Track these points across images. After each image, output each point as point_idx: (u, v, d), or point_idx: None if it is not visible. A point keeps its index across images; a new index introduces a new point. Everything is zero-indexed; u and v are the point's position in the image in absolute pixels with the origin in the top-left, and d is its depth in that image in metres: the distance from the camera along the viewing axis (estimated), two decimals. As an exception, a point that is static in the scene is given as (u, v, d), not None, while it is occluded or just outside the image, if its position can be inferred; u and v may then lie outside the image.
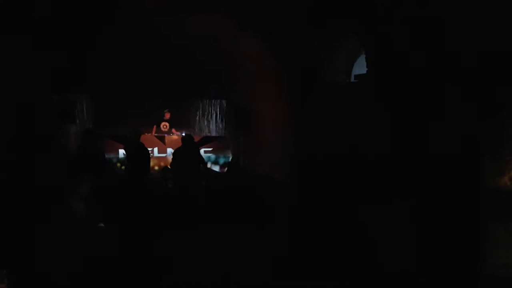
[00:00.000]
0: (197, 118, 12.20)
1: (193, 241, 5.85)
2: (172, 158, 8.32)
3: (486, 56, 4.78)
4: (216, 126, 12.19)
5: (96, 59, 8.96)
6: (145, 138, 10.14)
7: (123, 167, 9.18)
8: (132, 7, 7.90)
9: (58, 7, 6.75)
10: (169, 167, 9.53)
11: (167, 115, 10.80)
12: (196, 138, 9.32)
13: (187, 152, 8.03)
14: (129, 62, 9.84)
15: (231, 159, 10.25)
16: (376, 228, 5.55)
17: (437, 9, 5.18)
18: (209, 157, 10.33)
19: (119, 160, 9.75)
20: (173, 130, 10.89)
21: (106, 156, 8.35)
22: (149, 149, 9.99)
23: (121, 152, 9.42)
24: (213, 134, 11.89)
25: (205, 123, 12.18)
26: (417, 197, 5.24)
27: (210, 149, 10.59)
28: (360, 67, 7.61)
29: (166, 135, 10.63)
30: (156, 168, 10.11)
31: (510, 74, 4.62)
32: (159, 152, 10.35)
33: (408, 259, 5.01)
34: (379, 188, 5.76)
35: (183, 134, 9.73)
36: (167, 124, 10.80)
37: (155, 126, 10.78)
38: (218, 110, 12.17)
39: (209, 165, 9.91)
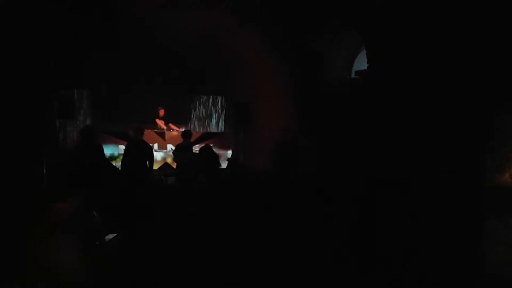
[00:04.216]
0: (197, 114, 12.15)
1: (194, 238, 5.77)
2: (174, 152, 8.36)
3: (486, 53, 4.75)
4: (216, 123, 12.15)
5: (95, 55, 8.92)
6: (145, 134, 10.10)
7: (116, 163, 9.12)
8: (130, 5, 7.89)
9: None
10: (168, 163, 9.51)
11: (161, 112, 10.72)
12: (196, 135, 9.27)
13: (187, 147, 8.10)
14: (129, 58, 9.79)
15: (231, 155, 10.20)
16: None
17: (437, 7, 5.14)
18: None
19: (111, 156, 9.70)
20: (173, 126, 10.85)
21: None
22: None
23: (121, 147, 9.38)
24: (213, 130, 11.84)
25: (205, 120, 12.14)
26: (415, 195, 5.19)
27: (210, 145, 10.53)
28: (361, 63, 7.57)
29: (166, 131, 10.58)
30: (156, 165, 10.08)
31: (510, 71, 4.59)
32: (159, 148, 10.31)
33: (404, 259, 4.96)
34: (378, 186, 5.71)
35: (183, 130, 9.69)
36: (163, 121, 10.76)
37: (157, 121, 10.77)
38: (218, 106, 12.12)
39: None
